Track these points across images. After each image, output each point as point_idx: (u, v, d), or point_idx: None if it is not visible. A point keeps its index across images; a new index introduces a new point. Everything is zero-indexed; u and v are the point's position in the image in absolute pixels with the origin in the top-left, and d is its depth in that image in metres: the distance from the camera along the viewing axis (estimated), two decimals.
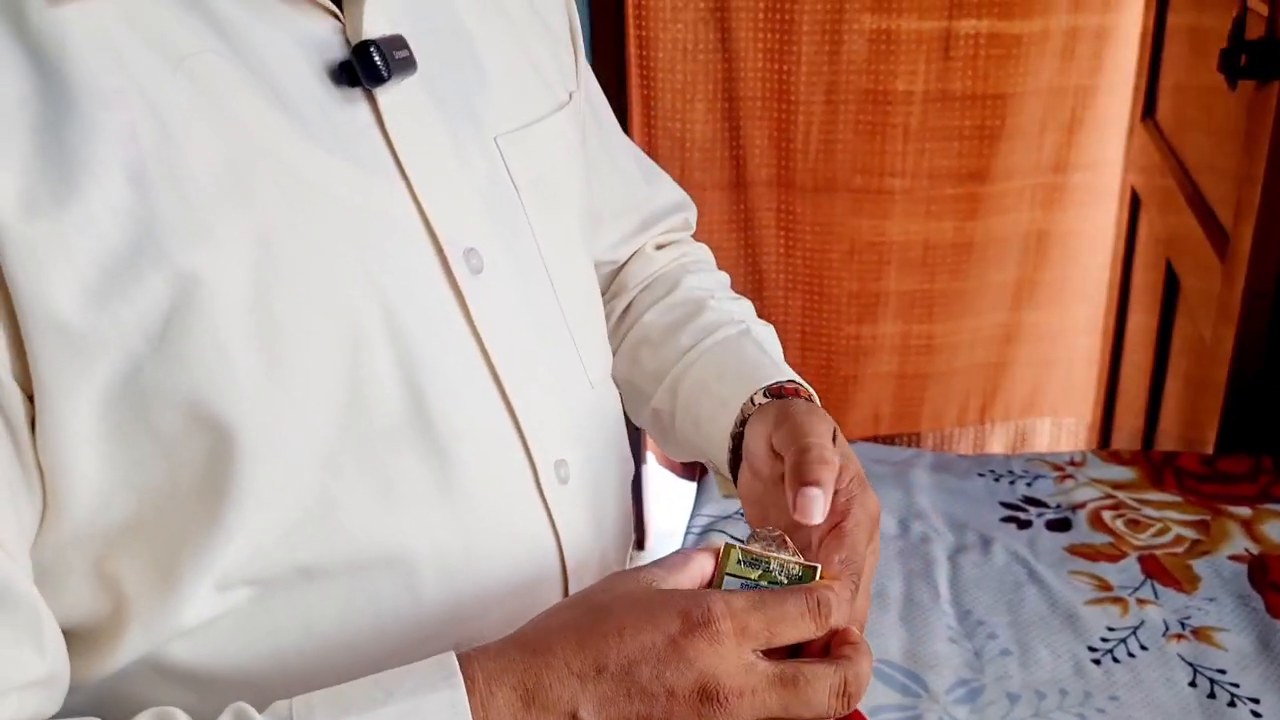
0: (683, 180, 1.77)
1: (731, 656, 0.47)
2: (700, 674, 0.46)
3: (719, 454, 0.68)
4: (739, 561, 0.52)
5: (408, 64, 0.53)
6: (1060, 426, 1.99)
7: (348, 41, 0.52)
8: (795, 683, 0.47)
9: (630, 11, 1.71)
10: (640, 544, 2.12)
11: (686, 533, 1.10)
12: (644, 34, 1.71)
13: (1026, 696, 0.92)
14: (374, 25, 0.53)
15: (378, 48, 0.52)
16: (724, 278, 0.82)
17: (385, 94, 0.53)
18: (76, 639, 0.51)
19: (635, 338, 0.77)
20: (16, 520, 0.46)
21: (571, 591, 0.61)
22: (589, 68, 0.74)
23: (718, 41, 1.71)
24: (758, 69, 1.72)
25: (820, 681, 0.48)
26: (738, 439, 0.66)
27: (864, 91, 1.71)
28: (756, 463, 0.62)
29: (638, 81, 1.76)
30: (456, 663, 0.47)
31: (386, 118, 0.53)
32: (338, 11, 0.52)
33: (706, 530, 1.10)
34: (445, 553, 0.55)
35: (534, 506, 0.58)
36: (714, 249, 1.95)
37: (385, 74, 0.52)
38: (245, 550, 0.50)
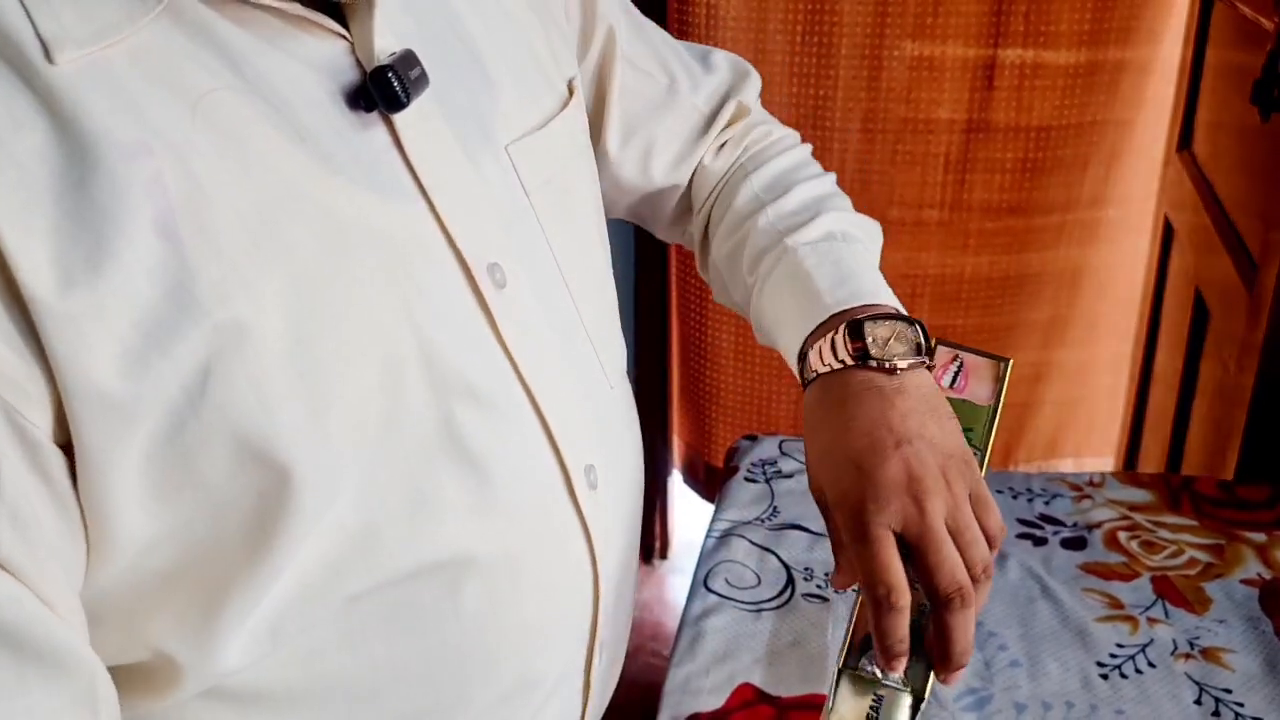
0: None
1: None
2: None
3: (792, 358, 0.72)
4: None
5: (422, 81, 0.55)
6: (1083, 468, 2.06)
7: (359, 62, 0.54)
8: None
9: (671, 28, 1.82)
10: (664, 553, 2.20)
11: (707, 536, 1.18)
12: None
13: (1033, 707, 0.99)
14: (383, 43, 0.54)
15: (395, 73, 0.53)
16: (785, 156, 0.82)
17: (401, 117, 0.55)
18: (127, 679, 0.54)
19: (714, 272, 0.82)
20: (68, 583, 0.48)
21: (602, 589, 0.65)
22: (615, 12, 0.76)
23: (751, 63, 1.81)
24: (792, 94, 1.82)
25: None
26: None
27: (903, 120, 1.79)
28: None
29: None
30: None
31: (404, 139, 0.55)
32: (344, 32, 0.53)
33: (726, 534, 1.18)
34: (485, 564, 0.58)
35: (568, 512, 0.62)
36: None
37: (405, 100, 0.53)
38: (291, 590, 0.53)
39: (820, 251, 0.74)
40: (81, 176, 0.44)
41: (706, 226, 0.83)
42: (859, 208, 1.91)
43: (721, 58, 0.84)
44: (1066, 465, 2.07)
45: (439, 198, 0.55)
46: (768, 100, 1.80)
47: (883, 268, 1.98)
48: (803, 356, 0.68)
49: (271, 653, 0.54)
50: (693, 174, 0.83)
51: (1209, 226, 1.53)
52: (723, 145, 0.82)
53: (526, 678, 0.63)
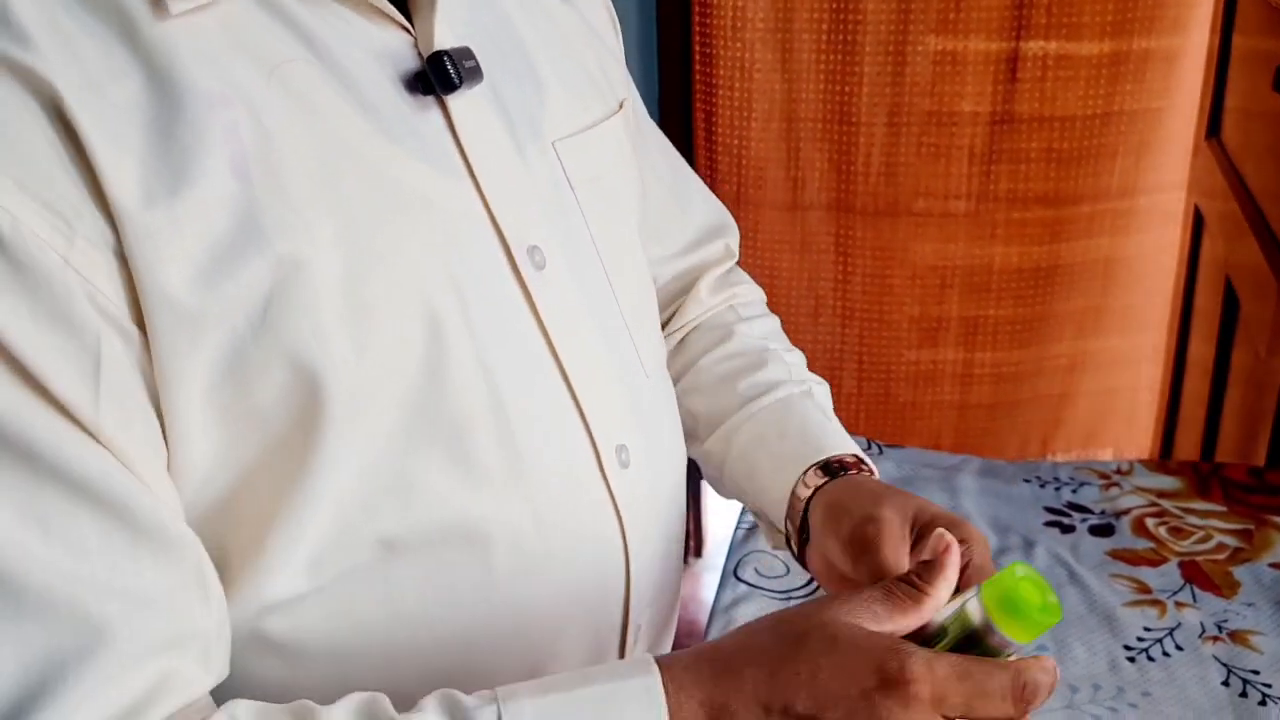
0: (739, 198, 1.92)
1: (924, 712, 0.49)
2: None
3: (774, 508, 0.74)
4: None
5: (475, 73, 0.60)
6: (1123, 459, 2.07)
7: (420, 54, 0.59)
8: (968, 671, 0.49)
9: (695, 29, 1.85)
10: (698, 551, 2.23)
11: (736, 528, 1.22)
12: (705, 51, 1.86)
13: (1060, 690, 1.01)
14: (443, 38, 0.60)
15: (450, 58, 0.59)
16: (776, 323, 0.89)
17: (455, 101, 0.60)
18: None
19: (688, 384, 0.83)
20: (167, 477, 0.52)
21: (633, 569, 0.68)
22: (633, 85, 0.83)
23: (777, 61, 1.84)
24: (818, 90, 1.85)
25: (994, 670, 0.49)
26: (794, 501, 0.72)
27: (927, 113, 1.82)
28: (839, 565, 0.65)
29: (700, 99, 1.90)
30: (653, 660, 0.53)
31: (457, 123, 0.60)
32: (409, 26, 0.60)
33: (755, 527, 1.21)
34: (516, 530, 0.61)
35: (598, 488, 0.65)
36: (769, 269, 2.07)
37: (457, 81, 0.59)
38: (329, 520, 0.56)
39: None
40: (169, 120, 0.51)
41: (682, 343, 0.87)
42: (885, 200, 1.94)
43: (712, 196, 0.91)
44: (1106, 456, 2.07)
45: (485, 179, 0.60)
46: (798, 99, 1.84)
47: (911, 259, 2.01)
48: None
49: (313, 594, 0.58)
50: (680, 296, 0.87)
51: (1238, 213, 1.54)
52: (710, 277, 0.88)
53: (557, 652, 0.66)
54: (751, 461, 0.77)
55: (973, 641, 0.52)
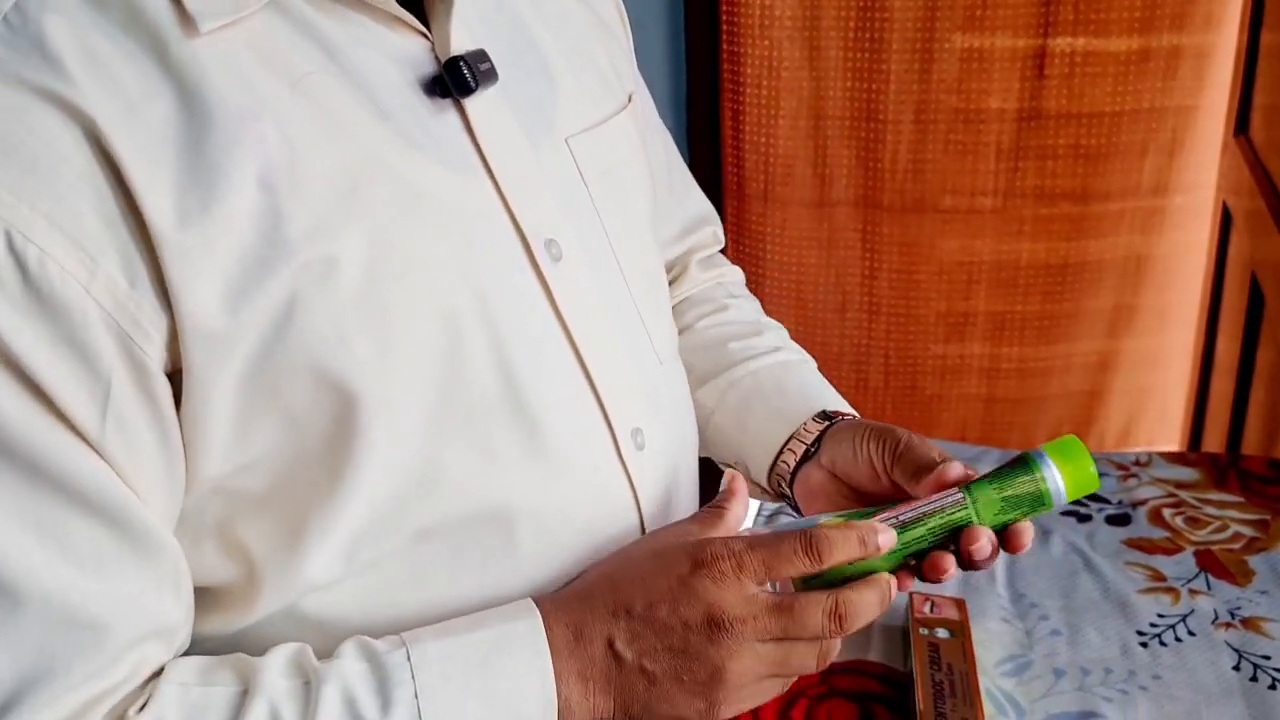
0: (766, 195, 1.95)
1: (733, 589, 0.60)
2: (707, 606, 0.59)
3: (760, 457, 0.80)
4: None
5: (490, 75, 0.63)
6: None
7: (437, 58, 0.62)
8: (790, 609, 0.60)
9: (723, 27, 1.88)
10: None
11: (757, 515, 1.24)
12: (733, 49, 1.88)
13: (1072, 673, 1.03)
14: (459, 42, 0.63)
15: (465, 62, 0.62)
16: (758, 304, 0.96)
17: (472, 103, 0.63)
18: (218, 596, 0.63)
19: (683, 343, 0.87)
20: (158, 492, 0.56)
21: None
22: (640, 77, 0.87)
23: (804, 59, 1.87)
24: (845, 87, 1.87)
25: (813, 606, 0.61)
26: (782, 453, 0.78)
27: (954, 110, 1.85)
28: (865, 478, 0.74)
29: (728, 96, 1.93)
30: (533, 602, 0.62)
31: (474, 123, 0.63)
32: (426, 31, 0.63)
33: (775, 514, 1.24)
34: (539, 511, 0.66)
35: (615, 470, 0.69)
36: (796, 265, 2.10)
37: (473, 85, 0.62)
38: (364, 514, 0.60)
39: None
40: (199, 136, 0.54)
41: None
42: (912, 198, 1.96)
43: (699, 188, 0.97)
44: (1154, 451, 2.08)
45: (503, 177, 0.63)
46: (826, 96, 1.86)
47: (939, 254, 2.03)
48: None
49: (348, 577, 0.62)
50: (673, 273, 0.94)
51: (1264, 211, 1.55)
52: (699, 261, 0.95)
53: None
54: (744, 414, 0.82)
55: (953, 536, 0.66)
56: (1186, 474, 1.26)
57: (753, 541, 0.61)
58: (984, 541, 0.66)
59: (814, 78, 1.88)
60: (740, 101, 1.91)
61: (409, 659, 0.58)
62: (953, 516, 0.67)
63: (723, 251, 1.00)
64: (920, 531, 0.66)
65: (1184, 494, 1.23)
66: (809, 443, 0.77)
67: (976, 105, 1.83)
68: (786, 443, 0.79)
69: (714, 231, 0.96)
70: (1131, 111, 1.82)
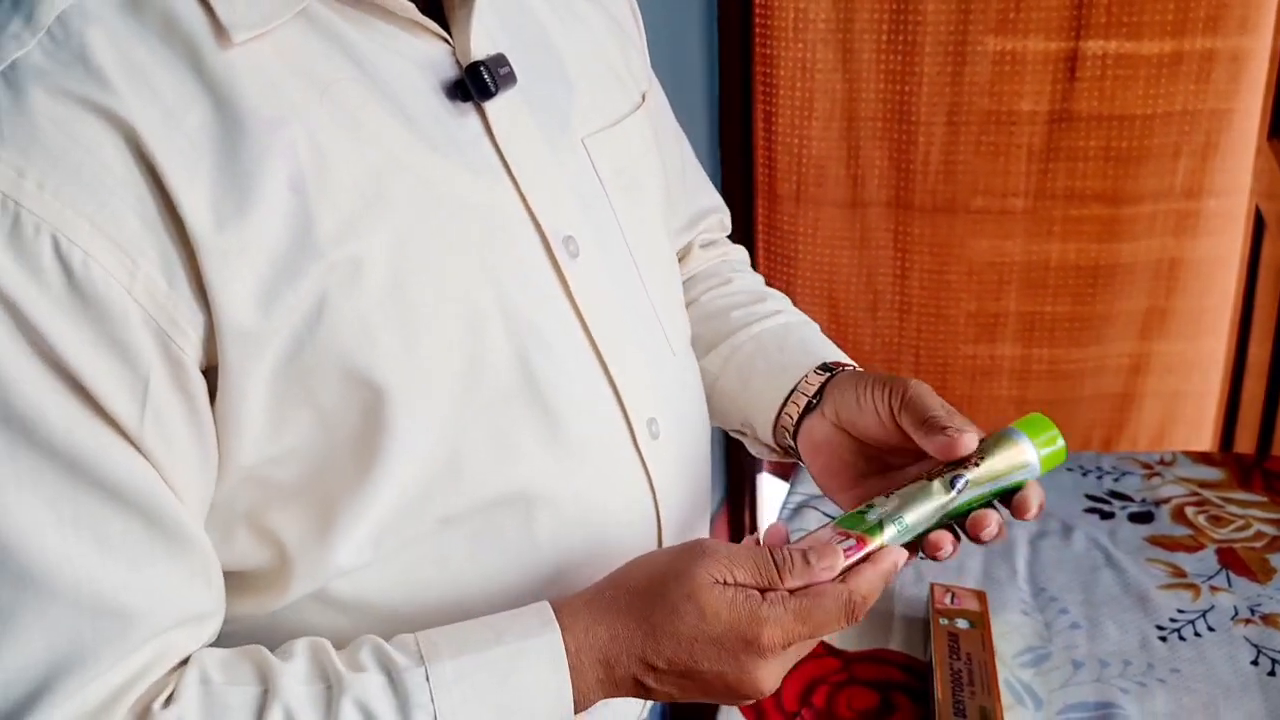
0: (799, 196, 1.97)
1: (776, 660, 0.62)
2: (749, 674, 0.62)
3: (764, 413, 0.81)
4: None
5: (510, 78, 0.65)
6: None
7: (458, 62, 0.64)
8: (809, 617, 0.61)
9: (756, 30, 1.91)
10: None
11: (781, 508, 1.27)
12: (766, 52, 1.91)
13: (1090, 664, 1.05)
14: (479, 46, 0.65)
15: (486, 67, 0.64)
16: (760, 278, 0.98)
17: (492, 106, 0.65)
18: (251, 580, 0.65)
19: (690, 315, 0.89)
20: (191, 485, 0.59)
21: (664, 532, 0.74)
22: (653, 73, 0.89)
23: (838, 61, 1.89)
24: (878, 89, 1.89)
25: (832, 614, 0.62)
26: (786, 407, 0.80)
27: (986, 112, 1.85)
28: (870, 426, 0.74)
29: (760, 98, 1.95)
30: (552, 612, 0.62)
31: (494, 126, 0.65)
32: (447, 36, 0.64)
33: (800, 507, 1.26)
34: (558, 498, 0.68)
35: (631, 458, 0.71)
36: (828, 265, 2.12)
37: (493, 89, 0.64)
38: (391, 503, 0.63)
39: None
40: (234, 143, 0.56)
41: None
42: (944, 197, 1.97)
43: (710, 185, 1.01)
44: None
45: (522, 177, 0.66)
46: (858, 98, 1.88)
47: (970, 255, 2.04)
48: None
49: (375, 562, 0.64)
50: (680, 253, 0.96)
51: None
52: (705, 245, 0.97)
53: None
54: (747, 372, 0.84)
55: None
56: (1211, 473, 1.28)
57: (799, 614, 0.62)
58: (993, 525, 0.68)
59: (847, 79, 1.90)
60: (773, 103, 1.94)
61: (428, 679, 0.59)
62: (951, 508, 0.69)
63: (732, 238, 1.03)
64: (917, 521, 0.68)
65: (1208, 493, 1.25)
66: (810, 395, 0.79)
67: (1008, 107, 1.84)
68: (789, 396, 0.80)
69: (720, 219, 0.99)
70: (1164, 114, 1.82)
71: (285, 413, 0.58)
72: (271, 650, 0.62)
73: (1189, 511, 1.23)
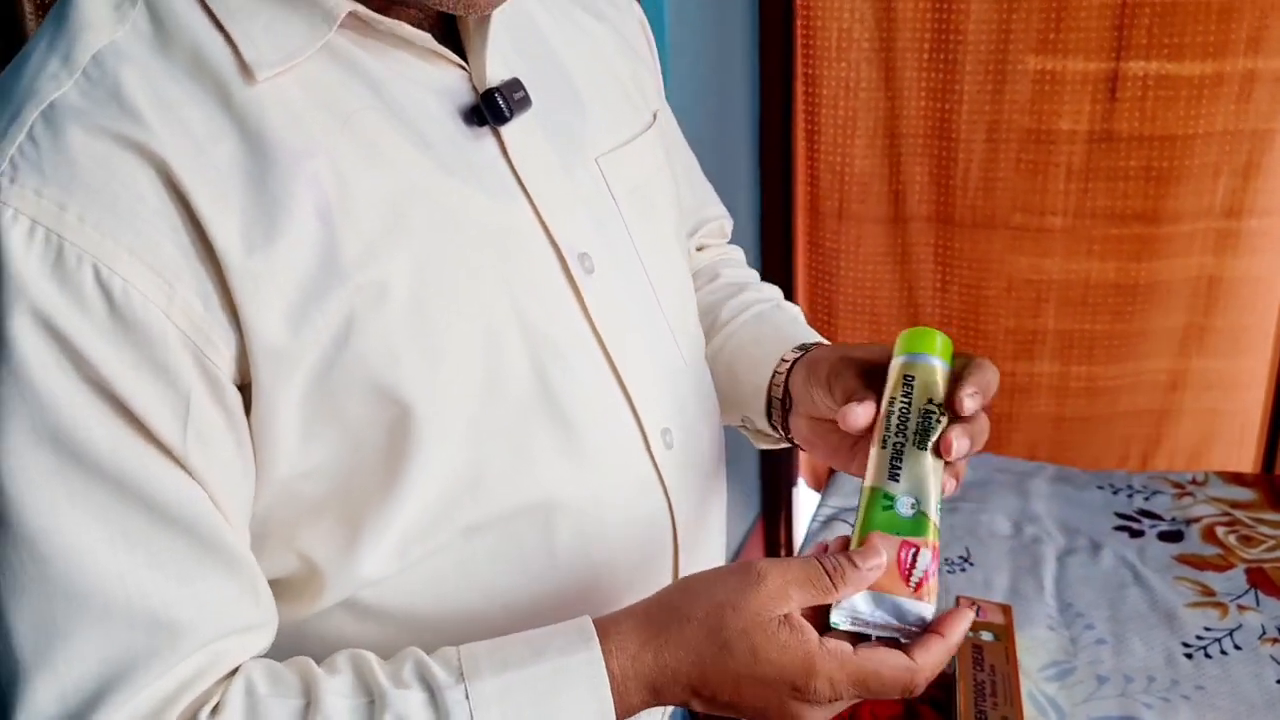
0: (841, 213, 2.00)
1: (820, 710, 0.62)
2: (791, 715, 0.62)
3: (754, 403, 0.83)
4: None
5: (525, 102, 0.66)
6: None
7: (474, 88, 0.65)
8: (867, 684, 0.61)
9: (798, 50, 1.94)
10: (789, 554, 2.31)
11: (812, 520, 1.29)
12: (810, 71, 1.93)
13: (1115, 680, 1.07)
14: (495, 72, 0.66)
15: (501, 94, 0.65)
16: (755, 272, 0.99)
17: (507, 130, 0.66)
18: (280, 590, 0.67)
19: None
20: (236, 499, 0.60)
21: (680, 539, 0.76)
22: (663, 89, 0.91)
23: (881, 80, 1.91)
24: (920, 107, 1.91)
25: (891, 684, 0.61)
26: (771, 395, 0.81)
27: (1026, 131, 1.86)
28: (828, 415, 0.74)
29: (802, 117, 1.98)
30: (594, 629, 0.62)
31: (510, 149, 0.66)
32: (463, 63, 0.66)
33: (830, 519, 1.29)
34: (575, 507, 0.69)
35: (646, 467, 0.72)
36: (869, 280, 2.14)
37: (508, 114, 0.65)
38: (415, 514, 0.63)
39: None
40: (261, 173, 0.58)
41: None
42: (983, 214, 1.98)
43: (714, 193, 1.02)
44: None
45: (538, 198, 0.67)
46: (900, 116, 1.90)
47: (1008, 271, 2.04)
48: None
49: (401, 571, 0.66)
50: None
51: None
52: (702, 248, 0.99)
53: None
54: (734, 370, 0.85)
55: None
56: (1243, 494, 1.28)
57: (858, 677, 0.61)
58: (964, 441, 0.66)
59: (889, 97, 1.92)
60: (816, 122, 1.96)
61: (467, 697, 0.60)
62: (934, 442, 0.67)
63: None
64: (935, 484, 0.66)
65: (1239, 513, 1.26)
66: (780, 397, 0.81)
67: (1048, 126, 1.85)
68: (768, 399, 0.82)
69: (720, 225, 1.01)
70: (1205, 134, 1.82)
71: (315, 429, 0.61)
72: (315, 659, 0.64)
73: (1219, 531, 1.24)
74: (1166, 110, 1.81)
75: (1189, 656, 1.09)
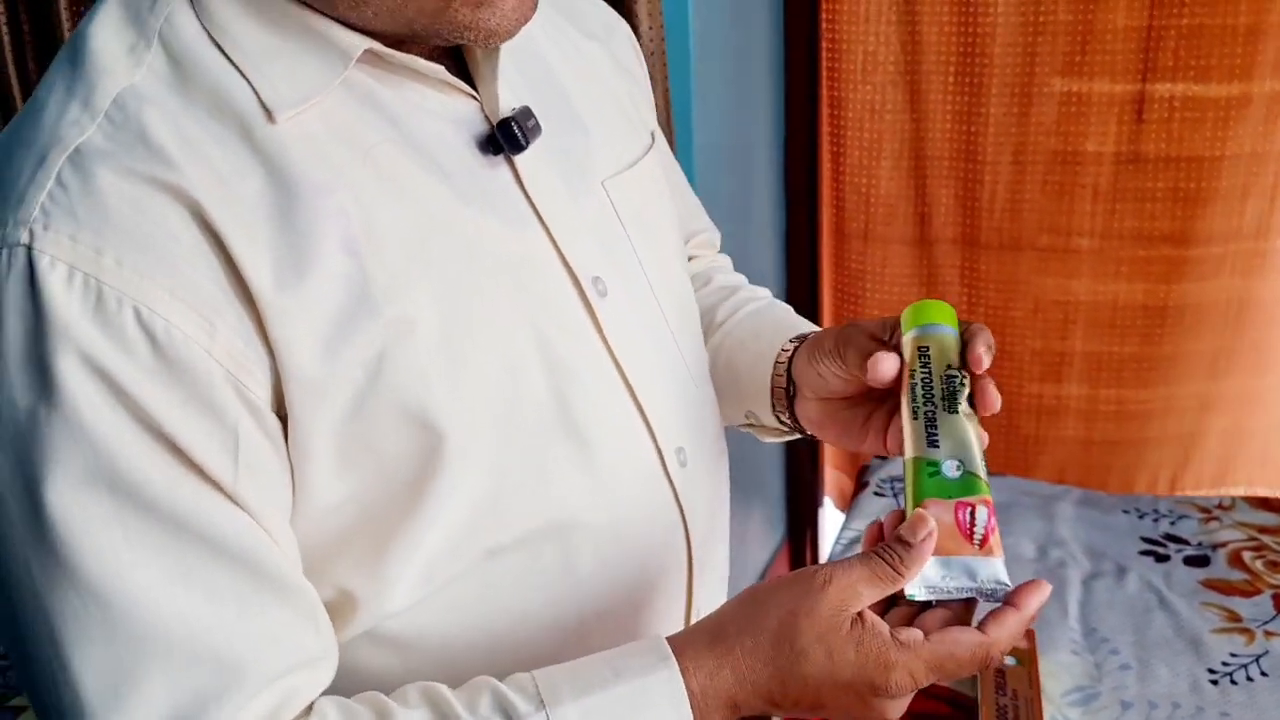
0: (867, 234, 2.00)
1: (902, 700, 0.62)
2: (874, 711, 0.62)
3: (758, 396, 0.84)
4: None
5: (536, 129, 0.67)
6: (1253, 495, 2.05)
7: (486, 117, 0.66)
8: (943, 666, 0.61)
9: (823, 73, 1.94)
10: None
11: (835, 543, 1.29)
12: (835, 94, 1.94)
13: (1139, 706, 1.06)
14: (505, 101, 0.66)
15: (516, 123, 0.66)
16: (744, 277, 1.00)
17: (521, 157, 0.67)
18: None
19: None
20: (286, 527, 0.60)
21: (695, 556, 0.76)
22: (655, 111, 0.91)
23: (906, 103, 1.91)
24: (945, 130, 1.91)
25: (966, 664, 0.61)
26: (775, 385, 0.82)
27: (1052, 153, 1.86)
28: (841, 388, 0.75)
29: (828, 139, 1.98)
30: (668, 648, 0.62)
31: (523, 177, 0.67)
32: (474, 93, 0.66)
33: (853, 542, 1.29)
34: (594, 528, 0.69)
35: (662, 486, 0.73)
36: (896, 302, 2.14)
37: (524, 143, 0.66)
38: (440, 540, 0.63)
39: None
40: (288, 208, 0.58)
41: None
42: (1010, 235, 1.98)
43: (702, 209, 1.03)
44: (1237, 493, 2.06)
45: (552, 224, 0.68)
46: (926, 138, 1.90)
47: (1035, 292, 2.02)
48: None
49: (427, 598, 0.66)
50: None
51: None
52: (692, 258, 0.99)
53: (636, 630, 0.74)
54: (734, 366, 0.86)
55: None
56: (1270, 519, 1.27)
57: (935, 664, 0.61)
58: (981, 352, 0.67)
59: (914, 120, 1.92)
60: (841, 144, 1.97)
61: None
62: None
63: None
64: (977, 443, 0.67)
65: (1267, 538, 1.25)
66: (784, 385, 0.82)
67: (1074, 148, 1.85)
68: (771, 386, 0.82)
69: (709, 238, 1.02)
70: (1233, 156, 1.81)
71: (348, 460, 0.61)
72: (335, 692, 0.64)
73: (1246, 556, 1.23)
74: (1194, 132, 1.80)
75: (1214, 683, 1.08)
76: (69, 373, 0.54)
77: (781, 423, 0.84)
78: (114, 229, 0.55)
